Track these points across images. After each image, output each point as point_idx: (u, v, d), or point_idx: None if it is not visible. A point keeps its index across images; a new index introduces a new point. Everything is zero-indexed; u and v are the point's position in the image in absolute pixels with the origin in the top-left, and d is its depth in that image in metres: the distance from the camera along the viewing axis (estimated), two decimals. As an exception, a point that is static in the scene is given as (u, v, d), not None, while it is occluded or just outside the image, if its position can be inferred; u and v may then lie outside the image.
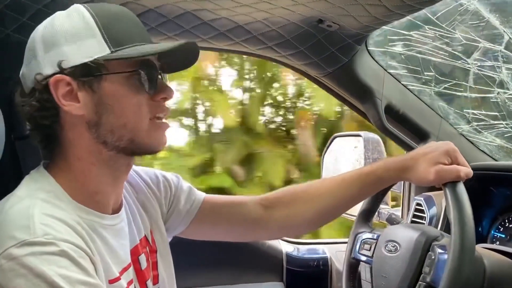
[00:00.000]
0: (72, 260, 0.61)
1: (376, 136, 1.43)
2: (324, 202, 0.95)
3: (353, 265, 1.18)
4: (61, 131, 0.73)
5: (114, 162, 0.75)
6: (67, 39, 0.70)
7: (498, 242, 1.23)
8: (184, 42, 0.73)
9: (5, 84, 0.86)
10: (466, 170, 0.84)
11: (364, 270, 1.20)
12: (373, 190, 0.99)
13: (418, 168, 0.86)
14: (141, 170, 0.92)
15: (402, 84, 1.35)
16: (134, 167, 0.90)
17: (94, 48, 0.70)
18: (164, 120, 0.77)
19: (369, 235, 1.11)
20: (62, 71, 0.70)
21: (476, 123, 1.47)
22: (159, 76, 0.76)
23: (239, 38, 1.18)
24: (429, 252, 0.89)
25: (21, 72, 0.75)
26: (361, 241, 1.14)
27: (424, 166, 0.85)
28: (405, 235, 0.95)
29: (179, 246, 0.93)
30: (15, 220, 0.64)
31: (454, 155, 0.85)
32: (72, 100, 0.71)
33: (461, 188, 0.81)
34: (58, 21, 0.72)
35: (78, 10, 0.72)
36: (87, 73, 0.70)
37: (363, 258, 1.11)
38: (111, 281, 0.72)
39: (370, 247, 1.09)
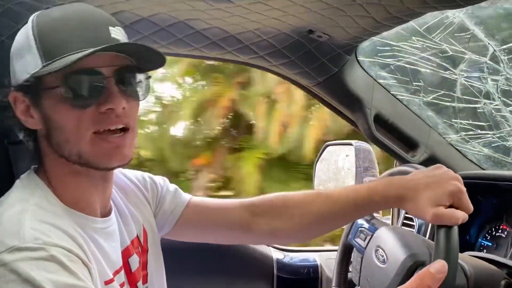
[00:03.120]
0: (62, 264, 0.61)
1: (367, 145, 1.45)
2: (314, 220, 0.92)
3: (347, 248, 1.20)
4: (37, 142, 0.75)
5: (86, 173, 0.73)
6: (15, 54, 0.71)
7: (485, 250, 1.25)
8: (106, 46, 0.66)
9: (-2, 89, 0.87)
10: (464, 217, 0.77)
11: (356, 259, 1.21)
12: (367, 213, 0.98)
13: (417, 203, 0.79)
14: (129, 172, 0.92)
15: (392, 94, 1.37)
16: (121, 170, 0.90)
17: (30, 63, 0.68)
18: (114, 135, 0.71)
19: (366, 225, 1.12)
20: (15, 88, 0.71)
21: (464, 133, 1.49)
22: (111, 85, 0.70)
23: (231, 47, 1.19)
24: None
25: None
26: (358, 228, 1.16)
27: (423, 203, 0.78)
28: (394, 251, 0.94)
29: (169, 253, 0.93)
30: (5, 226, 0.64)
31: (459, 197, 0.77)
32: (29, 116, 0.71)
33: (454, 235, 0.77)
34: (18, 35, 0.72)
35: (28, 23, 0.71)
36: (28, 90, 0.70)
37: (357, 245, 1.12)
38: (107, 282, 0.72)
39: (365, 238, 1.10)
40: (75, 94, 0.68)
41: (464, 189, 0.79)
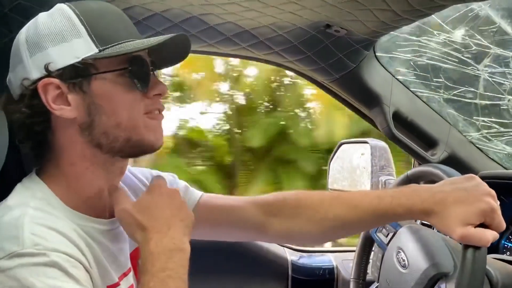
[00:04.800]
0: (63, 270, 0.59)
1: (383, 143, 1.41)
2: (332, 225, 0.87)
3: (368, 241, 1.17)
4: (52, 136, 0.72)
5: (109, 165, 0.73)
6: (52, 40, 0.68)
7: (508, 253, 1.21)
8: (172, 35, 0.70)
9: (10, 87, 0.85)
10: (494, 236, 0.72)
11: (376, 254, 1.17)
12: (389, 223, 0.94)
13: (444, 219, 0.73)
14: (137, 170, 0.90)
15: (411, 91, 1.34)
16: (129, 168, 0.88)
17: (81, 48, 0.68)
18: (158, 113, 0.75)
19: None
20: (49, 74, 0.68)
21: (486, 131, 1.44)
22: (151, 72, 0.74)
23: (246, 43, 1.17)
24: None
25: (7, 78, 0.74)
26: None
27: (451, 221, 0.72)
28: (417, 257, 0.90)
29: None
30: (4, 230, 0.62)
31: (491, 216, 0.72)
32: (63, 104, 0.69)
33: (482, 257, 0.73)
34: (41, 22, 0.70)
35: (62, 10, 0.70)
36: (76, 75, 0.68)
37: (378, 240, 1.09)
38: (110, 287, 0.70)
39: (387, 235, 1.07)
40: (133, 77, 0.70)
41: (497, 206, 0.73)
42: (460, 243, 0.75)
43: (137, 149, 0.72)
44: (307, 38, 1.15)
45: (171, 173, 0.94)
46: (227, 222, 0.91)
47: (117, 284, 0.72)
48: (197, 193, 0.92)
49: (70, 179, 0.71)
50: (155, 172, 0.92)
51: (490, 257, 1.03)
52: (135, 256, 0.79)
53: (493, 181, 1.18)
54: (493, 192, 0.75)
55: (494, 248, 1.23)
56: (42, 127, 0.71)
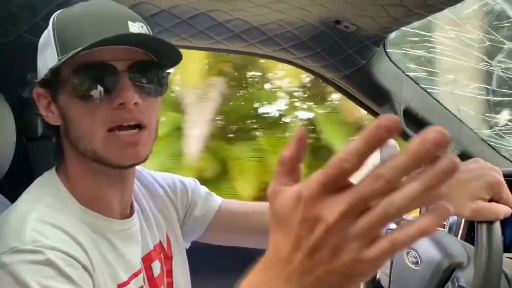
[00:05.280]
0: (58, 269, 0.60)
1: (392, 141, 1.40)
2: None
3: None
4: (59, 139, 0.74)
5: (103, 171, 0.71)
6: (39, 52, 0.72)
7: (522, 252, 1.19)
8: (110, 37, 0.63)
9: (18, 85, 0.85)
10: (506, 210, 0.72)
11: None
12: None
13: (453, 199, 0.72)
14: (159, 175, 0.90)
15: (421, 87, 1.32)
16: (151, 172, 0.89)
17: (49, 57, 0.68)
18: (129, 131, 0.67)
19: (394, 226, 1.08)
20: (38, 84, 0.71)
21: (498, 128, 1.42)
22: (126, 78, 0.66)
23: (254, 40, 1.16)
24: (448, 283, 0.84)
25: None
26: (386, 230, 1.10)
27: (460, 199, 0.72)
28: (428, 252, 0.89)
29: (192, 253, 0.91)
30: (10, 225, 0.64)
31: (498, 188, 0.71)
32: (50, 112, 0.71)
33: (496, 231, 0.72)
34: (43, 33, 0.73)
35: (51, 18, 0.71)
36: (48, 85, 0.70)
37: None
38: (121, 285, 0.70)
39: None
40: (86, 87, 0.65)
41: (504, 181, 0.73)
42: (473, 223, 0.75)
43: (105, 163, 0.68)
44: (317, 34, 1.13)
45: (193, 179, 0.95)
46: (246, 227, 0.92)
47: (127, 282, 0.72)
48: (217, 200, 0.93)
49: (75, 180, 0.72)
50: (177, 178, 0.92)
51: (503, 256, 1.02)
52: (147, 259, 0.78)
53: (506, 179, 1.16)
54: (498, 168, 0.75)
55: (507, 247, 1.21)
56: (52, 130, 0.73)
